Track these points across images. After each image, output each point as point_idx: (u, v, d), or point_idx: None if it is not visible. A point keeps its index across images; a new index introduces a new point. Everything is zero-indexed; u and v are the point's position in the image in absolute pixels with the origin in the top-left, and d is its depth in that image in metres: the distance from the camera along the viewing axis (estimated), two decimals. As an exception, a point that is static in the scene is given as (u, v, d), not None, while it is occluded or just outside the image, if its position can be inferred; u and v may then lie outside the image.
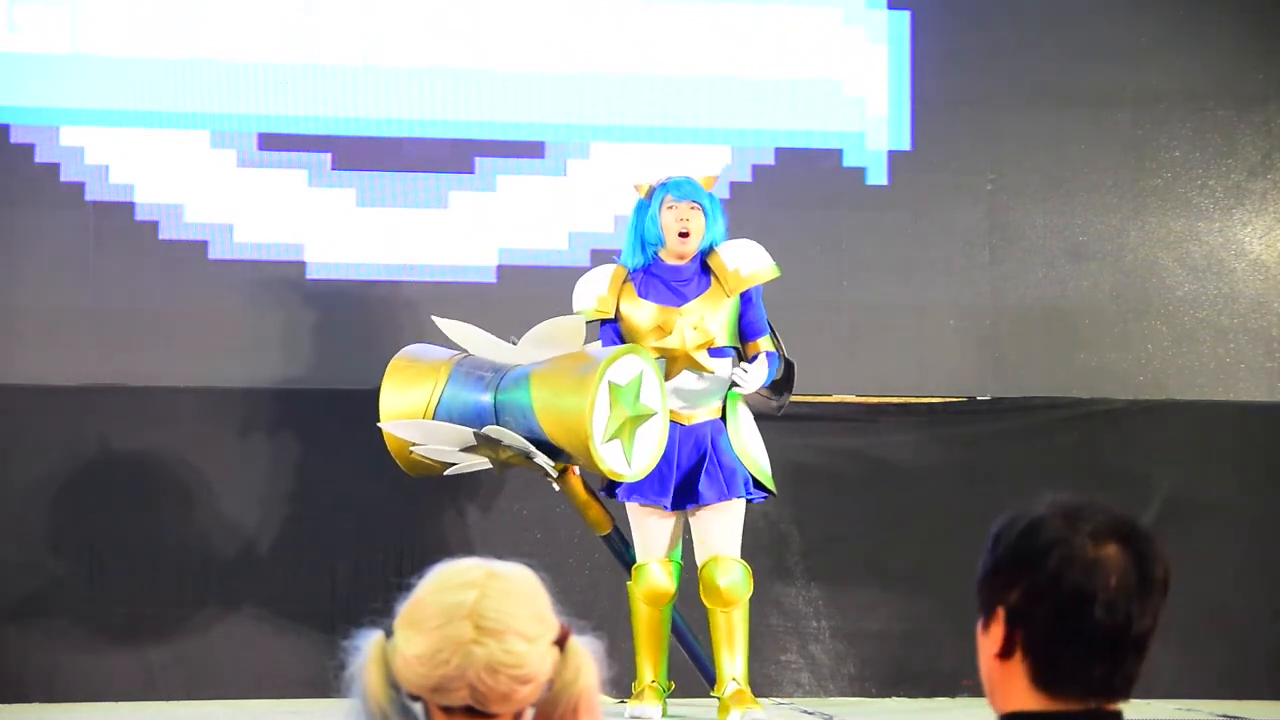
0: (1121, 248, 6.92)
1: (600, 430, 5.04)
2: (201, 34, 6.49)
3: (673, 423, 5.33)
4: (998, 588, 1.79)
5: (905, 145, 6.79)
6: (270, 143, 6.51)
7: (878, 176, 6.80)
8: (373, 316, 6.53)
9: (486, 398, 5.24)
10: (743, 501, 5.38)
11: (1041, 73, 6.87)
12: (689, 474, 5.35)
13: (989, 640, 1.80)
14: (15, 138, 6.38)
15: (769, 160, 6.71)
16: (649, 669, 5.51)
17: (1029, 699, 1.77)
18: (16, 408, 6.27)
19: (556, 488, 5.40)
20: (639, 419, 5.13)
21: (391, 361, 5.40)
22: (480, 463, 5.29)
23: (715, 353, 5.41)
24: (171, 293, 6.42)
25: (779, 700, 6.32)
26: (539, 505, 6.43)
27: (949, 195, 6.82)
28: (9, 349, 6.32)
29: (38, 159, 6.38)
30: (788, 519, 6.46)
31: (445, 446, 5.25)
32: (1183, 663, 6.44)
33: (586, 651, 1.85)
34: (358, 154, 6.54)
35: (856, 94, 6.78)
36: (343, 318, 6.50)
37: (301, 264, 6.51)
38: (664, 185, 5.44)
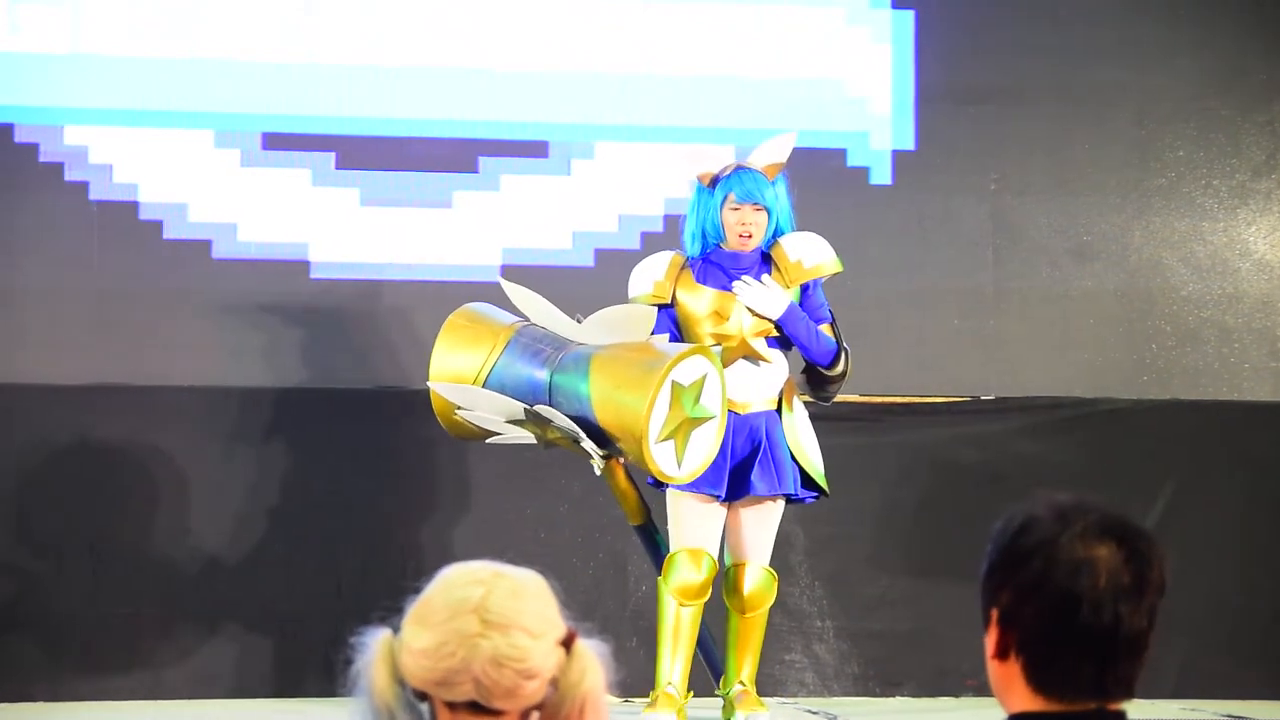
0: (1126, 247, 6.92)
1: (656, 430, 4.91)
2: (205, 33, 6.50)
3: (728, 411, 5.15)
4: (992, 589, 1.79)
5: (909, 145, 6.80)
6: (274, 142, 6.52)
7: (881, 176, 6.80)
8: (376, 316, 6.54)
9: (542, 374, 5.07)
10: (781, 504, 5.26)
11: (1045, 72, 6.87)
12: (742, 464, 5.19)
13: (989, 641, 1.81)
14: (19, 137, 6.39)
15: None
16: (668, 670, 5.23)
17: (1030, 700, 1.78)
18: (20, 407, 6.28)
19: (598, 472, 5.23)
20: (696, 421, 5.00)
21: (450, 317, 5.23)
22: (524, 436, 5.15)
23: (773, 343, 5.29)
24: (175, 292, 6.43)
25: (783, 700, 6.32)
26: (542, 506, 6.43)
27: (953, 195, 6.83)
28: (13, 348, 6.33)
29: (41, 158, 6.39)
30: (791, 518, 6.46)
31: (492, 416, 5.11)
32: (1186, 662, 6.44)
33: (592, 653, 1.86)
34: (362, 153, 6.54)
35: (860, 93, 6.78)
36: (346, 317, 6.50)
37: (305, 263, 6.52)
38: (728, 181, 5.27)
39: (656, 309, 5.22)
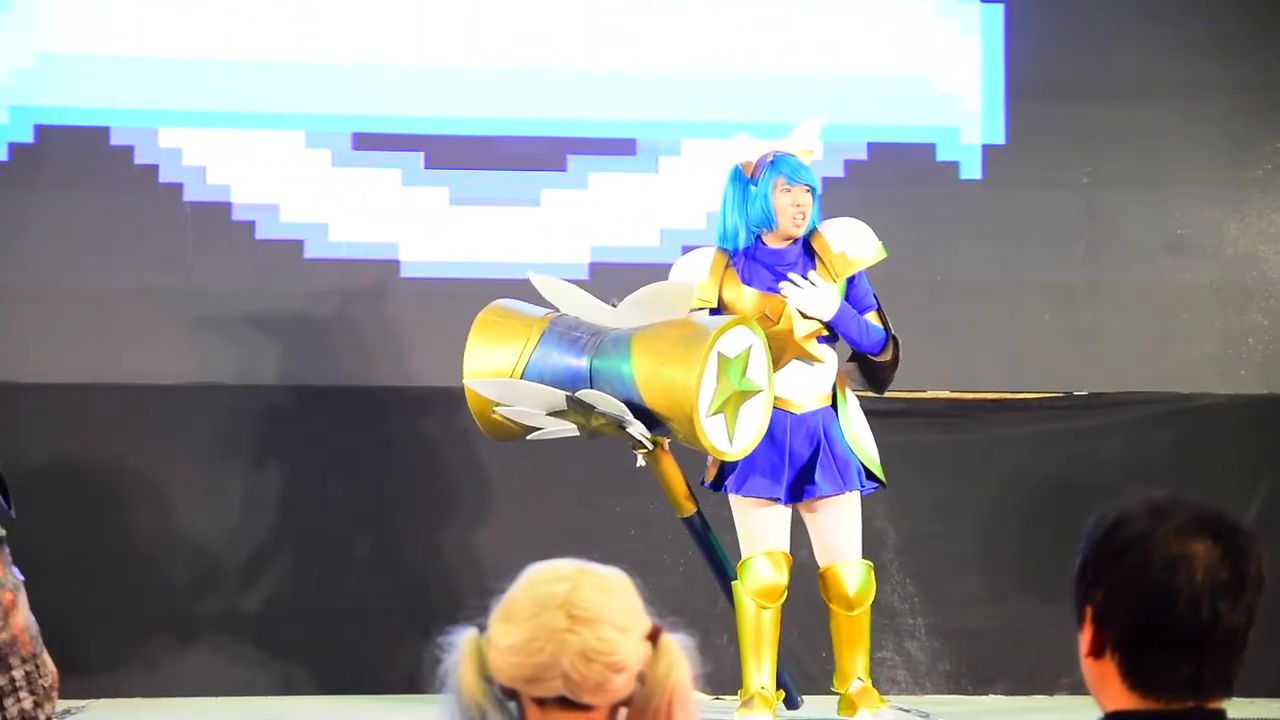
0: (1221, 240, 6.83)
1: (706, 404, 4.80)
2: (296, 36, 6.55)
3: (783, 411, 5.13)
4: (1086, 586, 1.77)
5: (999, 139, 6.74)
6: (364, 142, 6.56)
7: (971, 171, 6.75)
8: (466, 315, 6.54)
9: (581, 361, 4.95)
10: (857, 496, 5.20)
11: (1136, 64, 6.80)
12: (804, 465, 5.15)
13: (1083, 639, 1.79)
14: (115, 140, 6.47)
15: (861, 155, 6.68)
16: (757, 674, 5.19)
17: (1126, 698, 1.76)
18: (115, 406, 6.36)
19: (642, 462, 5.14)
20: (744, 395, 4.90)
21: (480, 314, 5.15)
22: (566, 429, 5.04)
23: (823, 340, 5.22)
24: (268, 292, 6.49)
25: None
26: (632, 504, 6.44)
27: (1044, 189, 6.77)
28: (110, 349, 6.41)
29: (137, 160, 6.47)
30: (882, 515, 6.43)
31: (532, 410, 5.01)
32: (1286, 661, 6.35)
33: (679, 647, 1.85)
34: (450, 153, 6.57)
35: (949, 88, 6.74)
36: (436, 316, 6.53)
37: (395, 262, 6.56)
38: (773, 165, 5.17)
39: (695, 285, 5.09)
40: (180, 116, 6.48)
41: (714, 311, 5.19)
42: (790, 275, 5.18)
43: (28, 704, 2.18)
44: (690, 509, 5.25)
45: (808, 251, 5.22)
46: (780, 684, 5.31)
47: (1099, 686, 1.78)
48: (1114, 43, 6.81)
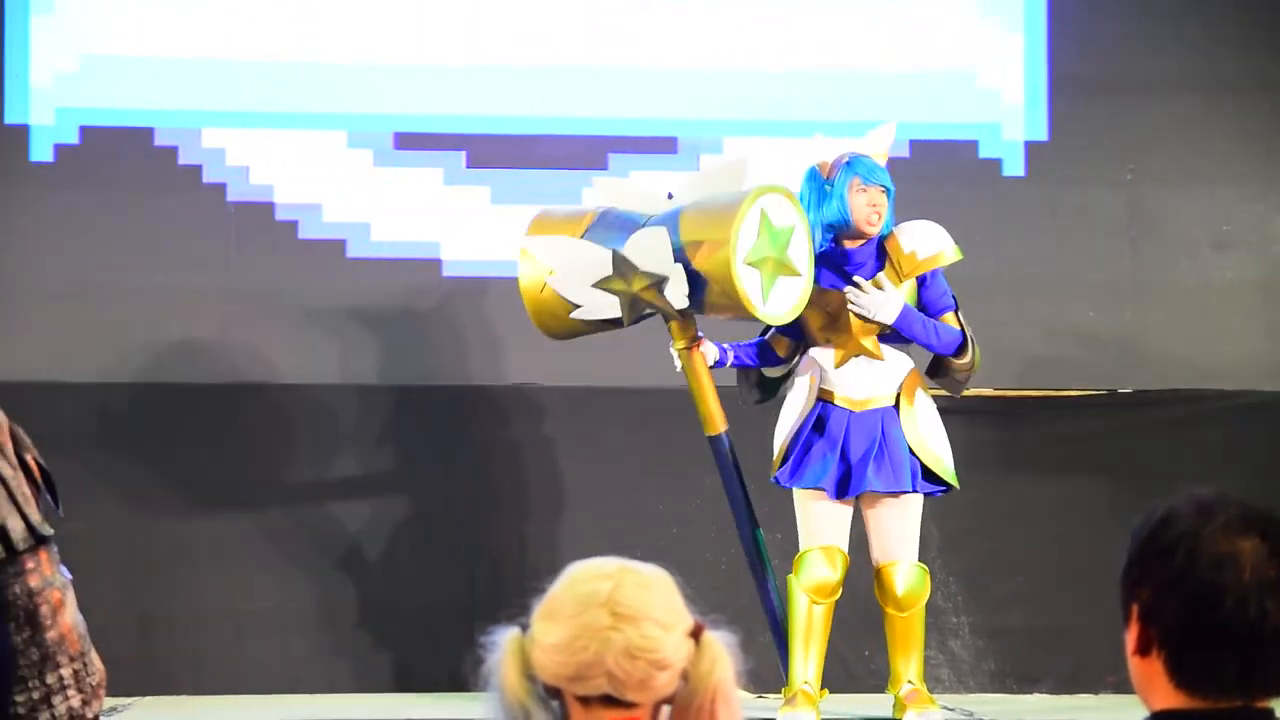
0: (1267, 237, 6.79)
1: (744, 248, 4.87)
2: (338, 36, 6.58)
3: (843, 408, 5.19)
4: (1132, 584, 1.76)
5: (1042, 135, 6.72)
6: (406, 141, 6.58)
7: (1014, 167, 6.72)
8: (508, 313, 6.57)
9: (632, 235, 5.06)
10: (918, 498, 5.22)
11: (1181, 59, 6.76)
12: (859, 461, 5.17)
13: (1129, 638, 1.78)
14: (159, 140, 6.50)
15: (903, 153, 6.66)
16: (802, 669, 5.21)
17: (1173, 697, 1.75)
18: (158, 405, 6.39)
19: (679, 365, 5.19)
20: (783, 267, 4.97)
21: (533, 218, 5.29)
22: (608, 308, 5.10)
23: (887, 339, 5.23)
24: (310, 292, 6.51)
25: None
26: (675, 502, 6.44)
27: (1088, 186, 6.74)
28: (153, 348, 6.44)
29: (181, 161, 6.50)
30: (926, 514, 6.38)
31: (579, 282, 5.07)
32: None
33: (721, 644, 1.85)
34: (492, 152, 6.59)
35: (991, 84, 6.71)
36: (478, 315, 6.55)
37: (437, 262, 6.58)
38: (849, 166, 5.21)
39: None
40: (223, 117, 6.51)
41: None
42: (855, 278, 5.18)
43: (76, 702, 2.20)
44: (717, 427, 5.25)
45: (880, 253, 5.26)
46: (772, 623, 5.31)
47: (1145, 685, 1.77)
48: (1158, 38, 6.77)
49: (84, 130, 6.47)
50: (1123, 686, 5.97)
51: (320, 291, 6.51)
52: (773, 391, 5.49)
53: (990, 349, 6.62)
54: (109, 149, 6.46)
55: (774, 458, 5.25)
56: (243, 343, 6.48)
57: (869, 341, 5.21)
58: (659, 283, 5.02)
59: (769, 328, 5.31)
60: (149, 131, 6.49)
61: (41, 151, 6.46)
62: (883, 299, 5.17)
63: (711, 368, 5.28)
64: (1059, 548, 6.49)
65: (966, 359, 5.29)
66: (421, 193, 6.58)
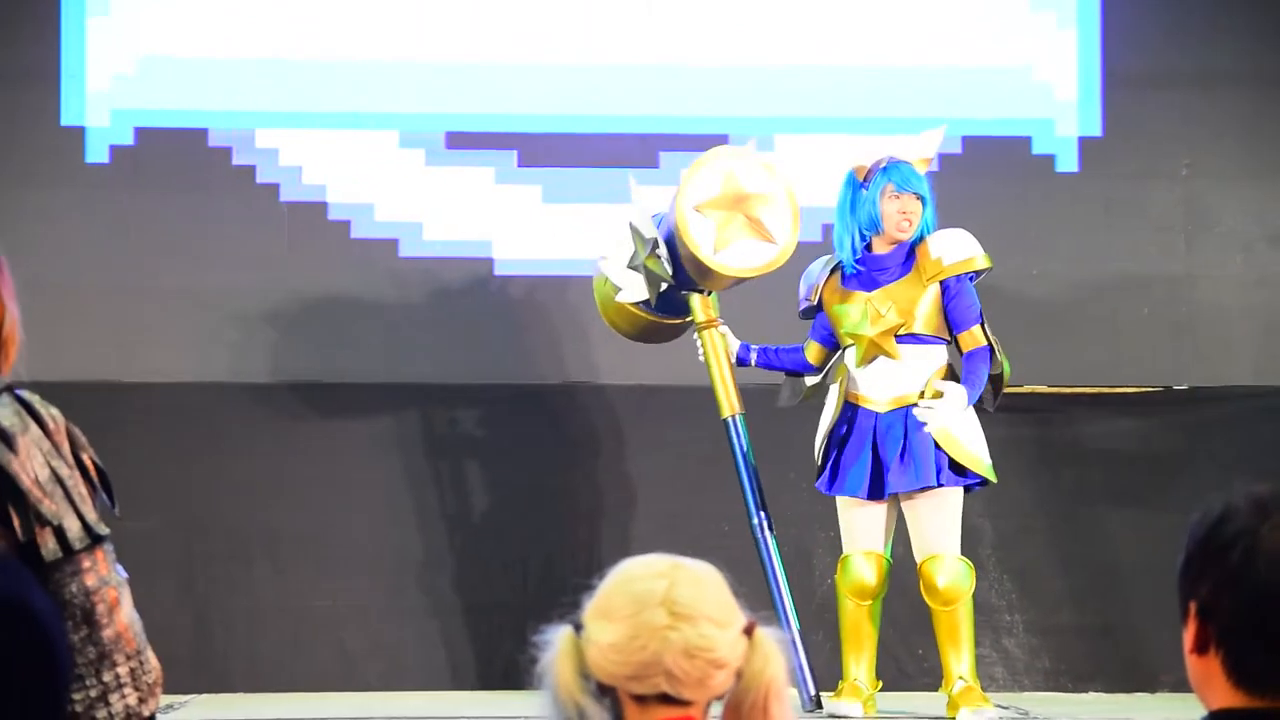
0: (1324, 231, 6.73)
1: (695, 195, 5.21)
2: (389, 35, 6.60)
3: (870, 410, 5.29)
4: (1190, 581, 1.75)
5: (1096, 131, 6.67)
6: (457, 141, 6.59)
7: (1068, 163, 6.69)
8: (560, 312, 6.59)
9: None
10: (955, 491, 5.25)
11: (1236, 52, 6.70)
12: (886, 463, 5.25)
13: (1187, 635, 1.76)
14: (213, 141, 6.54)
15: (955, 149, 6.63)
16: (855, 666, 5.35)
17: (1231, 696, 1.73)
18: (212, 404, 6.43)
19: (699, 345, 5.39)
20: (751, 227, 5.23)
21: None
22: (638, 288, 5.36)
23: (911, 340, 5.30)
24: (363, 291, 6.54)
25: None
26: (725, 500, 6.43)
27: (1142, 181, 6.69)
28: (207, 348, 6.48)
29: (235, 161, 6.54)
30: (979, 511, 6.38)
31: (619, 263, 5.38)
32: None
33: (773, 642, 1.85)
34: (543, 151, 6.59)
35: (1044, 79, 6.67)
36: (530, 313, 6.56)
37: (489, 260, 6.59)
38: (885, 171, 5.29)
39: (801, 311, 5.47)
40: (277, 117, 6.55)
41: (817, 309, 5.45)
42: (923, 403, 5.23)
43: (132, 700, 2.21)
44: (728, 410, 5.40)
45: (910, 258, 5.34)
46: (801, 677, 5.30)
47: (1203, 684, 1.76)
48: (1212, 32, 6.71)
49: (139, 131, 6.52)
50: (1179, 685, 5.92)
51: (372, 291, 6.53)
52: (806, 396, 5.61)
53: (1044, 346, 6.59)
54: (163, 150, 6.50)
55: (817, 465, 5.38)
56: (295, 342, 6.51)
57: (886, 342, 5.30)
58: (654, 247, 5.29)
59: (808, 338, 5.51)
60: (203, 133, 6.53)
61: (97, 153, 6.51)
62: (949, 398, 5.23)
63: (736, 365, 5.45)
64: (1114, 545, 6.45)
65: (994, 371, 5.36)
66: (473, 192, 6.59)
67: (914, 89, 6.63)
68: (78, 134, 6.50)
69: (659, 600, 1.82)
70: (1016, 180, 6.62)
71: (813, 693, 5.27)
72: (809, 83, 6.64)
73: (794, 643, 5.21)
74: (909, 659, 6.30)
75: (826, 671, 5.49)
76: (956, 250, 5.32)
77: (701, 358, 5.43)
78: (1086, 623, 6.46)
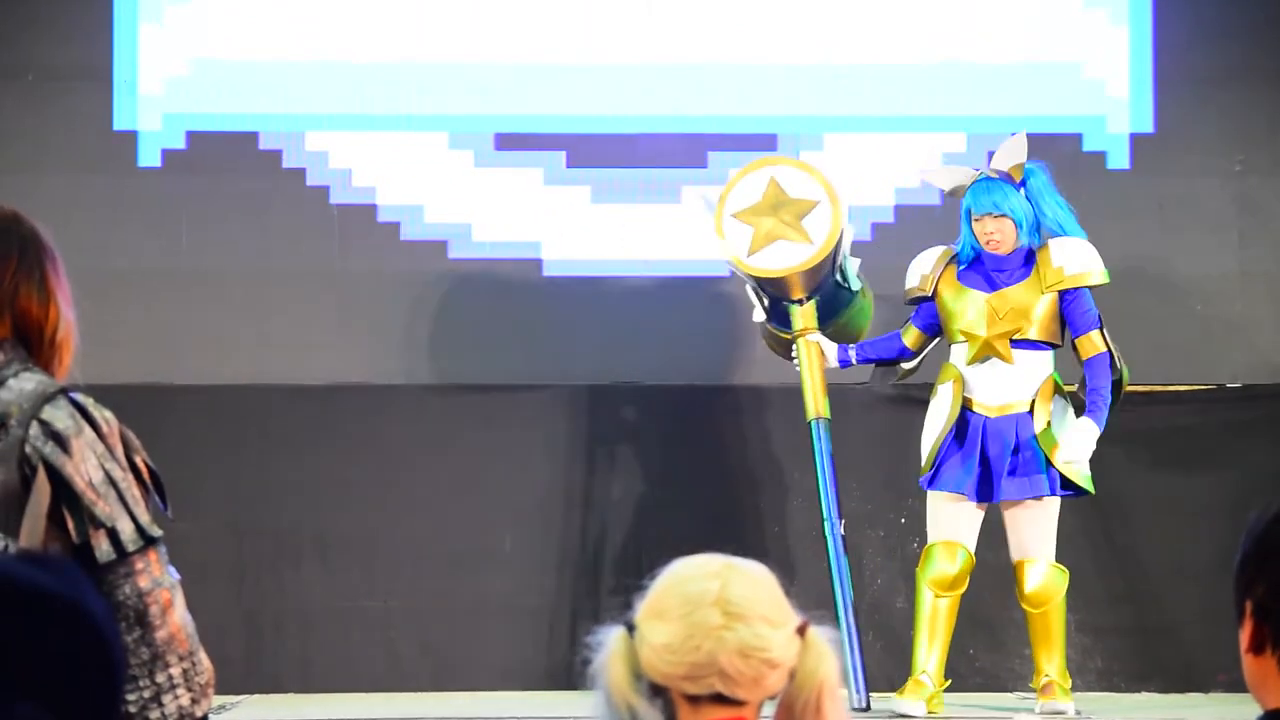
0: (1379, 227, 6.66)
1: (736, 204, 5.57)
2: (438, 37, 6.61)
3: (980, 414, 5.44)
4: (1246, 581, 1.73)
5: (1148, 128, 6.63)
6: (506, 142, 6.60)
7: (1119, 160, 6.64)
8: (608, 312, 6.59)
9: None
10: (1050, 502, 5.45)
11: (1291, 48, 6.65)
12: (996, 467, 5.42)
13: (1243, 635, 1.75)
14: (263, 144, 6.57)
15: (1006, 146, 6.60)
16: (924, 658, 5.45)
17: (1288, 696, 1.71)
18: (265, 406, 6.46)
19: (793, 352, 5.61)
20: (789, 230, 5.52)
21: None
22: (759, 312, 5.75)
23: (1024, 345, 5.49)
24: (413, 292, 6.55)
25: (1023, 695, 6.22)
26: (774, 500, 6.42)
27: (1195, 178, 6.64)
28: (260, 350, 6.51)
29: (285, 164, 6.56)
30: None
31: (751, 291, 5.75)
32: None
33: (826, 641, 1.84)
34: (592, 151, 6.59)
35: (1096, 76, 6.63)
36: (579, 314, 6.56)
37: (538, 261, 6.59)
38: (967, 195, 5.54)
39: (907, 300, 5.61)
40: (327, 120, 6.57)
41: (929, 302, 5.61)
42: (1066, 457, 5.40)
43: (185, 700, 2.22)
44: (813, 413, 5.59)
45: (1030, 260, 5.53)
46: (855, 679, 5.44)
47: (1259, 683, 1.74)
48: (1266, 26, 6.65)
49: (190, 135, 6.55)
50: (1235, 685, 5.88)
51: (422, 292, 6.55)
52: (901, 377, 5.78)
53: (1096, 344, 6.54)
54: (215, 153, 6.53)
55: (923, 463, 5.51)
56: (344, 345, 6.53)
57: (1001, 344, 5.45)
58: (753, 284, 5.66)
59: (907, 322, 5.68)
60: (254, 136, 6.56)
61: (149, 157, 6.55)
62: (1083, 435, 5.41)
63: (836, 367, 5.65)
64: (1168, 544, 6.41)
65: (1114, 377, 5.54)
66: (522, 193, 6.60)
67: (964, 87, 6.60)
68: (130, 138, 6.54)
69: (713, 600, 1.82)
70: (1067, 177, 6.57)
71: (864, 695, 5.35)
72: (858, 81, 6.62)
73: (851, 645, 5.35)
74: (960, 660, 6.27)
75: (878, 671, 5.49)
76: (1078, 262, 5.50)
77: (796, 365, 5.65)
78: (1139, 623, 6.42)
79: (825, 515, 5.53)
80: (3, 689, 1.29)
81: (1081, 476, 5.42)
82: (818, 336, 5.62)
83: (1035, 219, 5.48)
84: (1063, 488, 5.43)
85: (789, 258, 5.54)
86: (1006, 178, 5.50)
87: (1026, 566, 5.46)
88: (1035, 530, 5.44)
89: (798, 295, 5.60)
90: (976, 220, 5.48)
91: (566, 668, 6.18)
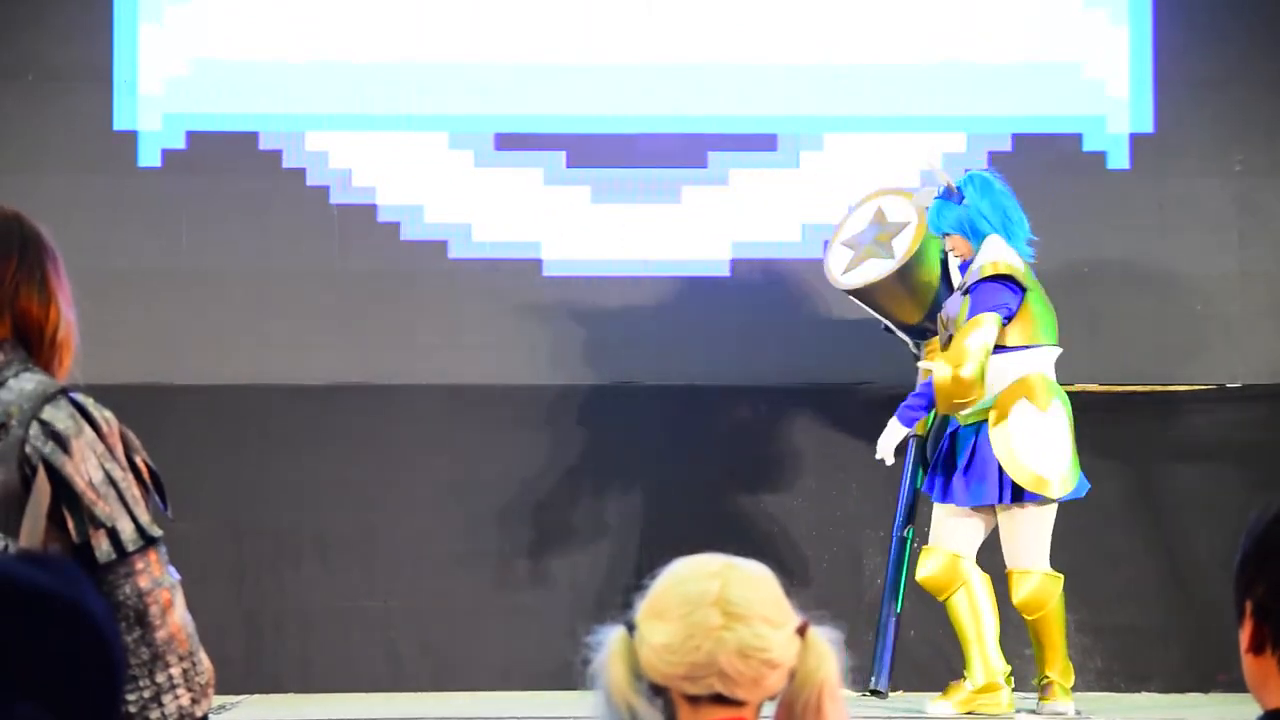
0: (1379, 227, 6.67)
1: (845, 232, 5.88)
2: (439, 37, 6.61)
3: (955, 420, 5.62)
4: (1246, 581, 1.73)
5: (1148, 128, 6.63)
6: (506, 142, 6.60)
7: (1119, 160, 6.64)
8: (608, 312, 6.59)
9: None
10: (1025, 508, 5.52)
11: (1291, 48, 6.65)
12: (955, 472, 5.58)
13: (1243, 635, 1.75)
14: (263, 144, 6.57)
15: (1005, 147, 6.60)
16: (995, 659, 5.62)
17: (1288, 696, 1.71)
18: (265, 406, 6.46)
19: (917, 356, 5.83)
20: (879, 250, 5.77)
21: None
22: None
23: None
24: (413, 292, 6.55)
25: (1024, 695, 6.22)
26: (777, 500, 6.42)
27: (1194, 178, 6.64)
28: (260, 351, 6.51)
29: (285, 164, 6.56)
30: (1030, 511, 6.35)
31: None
32: None
33: (827, 641, 1.84)
34: (592, 151, 6.60)
35: (1096, 76, 6.63)
36: (579, 314, 6.56)
37: (538, 261, 6.60)
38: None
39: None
40: (327, 120, 6.57)
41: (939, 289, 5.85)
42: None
43: (185, 700, 2.22)
44: (925, 429, 5.81)
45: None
46: (877, 669, 5.71)
47: (1259, 683, 1.74)
48: (1265, 27, 6.66)
49: (190, 135, 6.55)
50: (1234, 685, 5.88)
51: (422, 292, 6.55)
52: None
53: (1095, 344, 6.56)
54: (215, 153, 6.53)
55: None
56: (345, 344, 6.53)
57: (923, 362, 5.71)
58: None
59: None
60: (254, 136, 6.56)
61: (149, 157, 6.55)
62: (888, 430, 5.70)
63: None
64: (1166, 544, 6.41)
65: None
66: (522, 193, 6.60)
67: (964, 87, 6.60)
68: (130, 138, 6.54)
69: (712, 600, 1.82)
70: (1067, 177, 6.58)
71: (885, 684, 5.64)
72: (858, 81, 6.62)
73: (887, 636, 5.67)
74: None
75: (867, 667, 5.51)
76: (978, 259, 5.60)
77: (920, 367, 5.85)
78: (1140, 623, 6.42)
79: (898, 524, 5.82)
80: (3, 689, 1.29)
81: (1028, 479, 5.45)
82: (923, 362, 5.76)
83: (973, 225, 5.58)
84: (1021, 497, 5.50)
85: (869, 272, 5.79)
86: (946, 194, 5.62)
87: (1015, 576, 5.58)
88: (1013, 539, 5.55)
89: (905, 316, 5.83)
90: (936, 239, 5.75)
91: (566, 668, 6.18)
